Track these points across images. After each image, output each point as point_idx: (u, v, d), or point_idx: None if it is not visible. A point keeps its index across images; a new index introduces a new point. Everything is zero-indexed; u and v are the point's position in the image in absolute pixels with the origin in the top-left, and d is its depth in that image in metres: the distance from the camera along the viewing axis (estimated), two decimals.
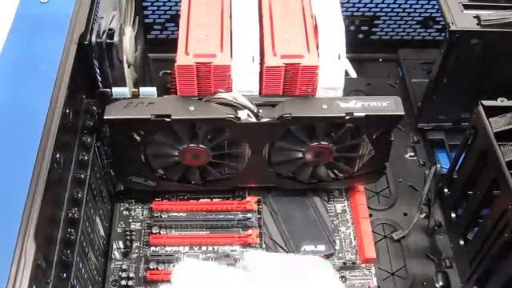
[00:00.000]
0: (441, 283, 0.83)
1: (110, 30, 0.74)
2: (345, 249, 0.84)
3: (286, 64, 0.73)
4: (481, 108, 0.75)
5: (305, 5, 0.81)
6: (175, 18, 1.05)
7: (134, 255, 0.82)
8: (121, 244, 0.82)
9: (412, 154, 0.98)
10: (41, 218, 0.56)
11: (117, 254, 0.82)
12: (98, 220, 0.78)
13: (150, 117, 0.72)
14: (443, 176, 0.90)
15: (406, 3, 1.05)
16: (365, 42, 1.11)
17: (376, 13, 1.08)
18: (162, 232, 0.84)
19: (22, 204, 0.57)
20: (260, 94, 0.76)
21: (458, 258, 0.84)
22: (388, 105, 0.75)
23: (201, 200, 0.87)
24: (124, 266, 0.80)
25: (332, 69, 0.75)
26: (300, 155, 0.79)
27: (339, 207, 0.88)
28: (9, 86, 0.68)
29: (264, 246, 0.83)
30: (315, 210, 0.86)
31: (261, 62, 0.74)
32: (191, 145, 0.76)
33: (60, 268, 0.61)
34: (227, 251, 0.82)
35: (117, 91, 0.74)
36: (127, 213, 0.86)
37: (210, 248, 0.83)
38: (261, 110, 0.74)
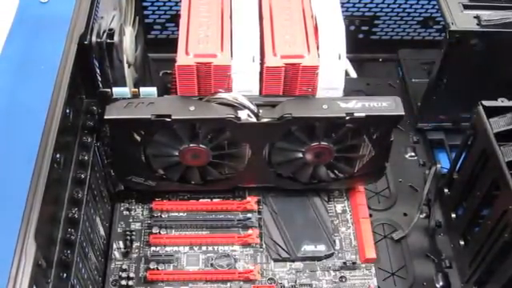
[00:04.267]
0: (441, 283, 0.83)
1: (110, 29, 0.74)
2: (345, 249, 0.84)
3: (286, 64, 0.73)
4: (481, 108, 0.75)
5: (305, 5, 0.81)
6: (175, 18, 1.04)
7: (134, 255, 0.82)
8: (121, 244, 0.82)
9: (412, 154, 0.98)
10: (41, 218, 0.56)
11: (117, 254, 0.82)
12: (98, 220, 0.78)
13: (150, 117, 0.72)
14: (443, 176, 0.90)
15: (405, 3, 1.05)
16: (365, 42, 1.11)
17: (376, 13, 1.08)
18: (162, 232, 0.84)
19: (23, 204, 0.57)
20: (260, 94, 0.76)
21: (458, 258, 0.84)
22: (388, 105, 0.75)
23: (201, 200, 0.87)
24: (124, 266, 0.80)
25: (332, 69, 0.75)
26: (300, 155, 0.79)
27: (339, 207, 0.88)
28: (9, 86, 0.68)
29: (264, 246, 0.83)
30: (315, 210, 0.86)
31: (261, 62, 0.74)
32: (191, 145, 0.76)
33: (60, 268, 0.61)
34: (227, 251, 0.82)
35: (117, 91, 0.73)
36: (127, 213, 0.86)
37: (210, 248, 0.83)
38: (261, 110, 0.74)
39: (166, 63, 0.97)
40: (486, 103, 0.75)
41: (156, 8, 1.05)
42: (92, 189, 0.74)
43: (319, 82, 0.75)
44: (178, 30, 0.77)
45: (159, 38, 1.09)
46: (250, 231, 0.83)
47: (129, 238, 0.83)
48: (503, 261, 0.70)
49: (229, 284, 0.80)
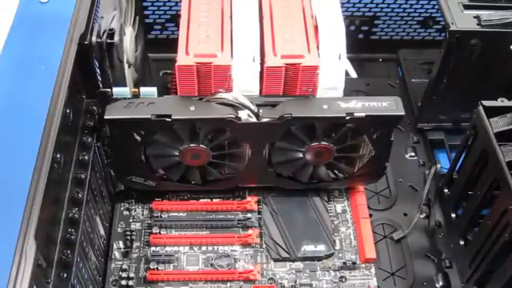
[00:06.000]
0: (441, 283, 0.83)
1: (110, 29, 0.73)
2: (345, 249, 0.84)
3: (287, 64, 0.73)
4: (481, 108, 0.75)
5: (305, 5, 0.81)
6: (175, 18, 1.05)
7: (135, 255, 0.82)
8: (121, 244, 0.82)
9: (412, 154, 0.98)
10: (41, 218, 0.56)
11: (117, 254, 0.82)
12: (98, 220, 0.78)
13: (150, 117, 0.72)
14: (443, 176, 0.90)
15: (406, 3, 1.05)
16: (365, 42, 1.11)
17: (376, 13, 1.08)
18: (162, 232, 0.84)
19: (23, 204, 0.57)
20: (260, 94, 0.76)
21: (458, 258, 0.84)
22: (388, 105, 0.75)
23: (201, 200, 0.87)
24: (124, 266, 0.80)
25: (332, 69, 0.75)
26: (300, 155, 0.79)
27: (339, 207, 0.88)
28: (9, 86, 0.68)
29: (264, 245, 0.83)
30: (315, 210, 0.86)
31: (261, 62, 0.74)
32: (191, 145, 0.76)
33: (60, 268, 0.61)
34: (227, 251, 0.82)
35: (117, 91, 0.74)
36: (127, 213, 0.86)
37: (210, 248, 0.83)
38: (261, 110, 0.74)
39: (166, 63, 0.97)
40: (486, 103, 0.75)
41: (156, 8, 1.05)
42: (92, 189, 0.74)
43: (319, 81, 0.75)
44: (178, 30, 0.78)
45: (159, 38, 1.09)
46: (250, 231, 0.83)
47: (129, 237, 0.83)
48: (503, 261, 0.70)
49: (229, 284, 0.80)
